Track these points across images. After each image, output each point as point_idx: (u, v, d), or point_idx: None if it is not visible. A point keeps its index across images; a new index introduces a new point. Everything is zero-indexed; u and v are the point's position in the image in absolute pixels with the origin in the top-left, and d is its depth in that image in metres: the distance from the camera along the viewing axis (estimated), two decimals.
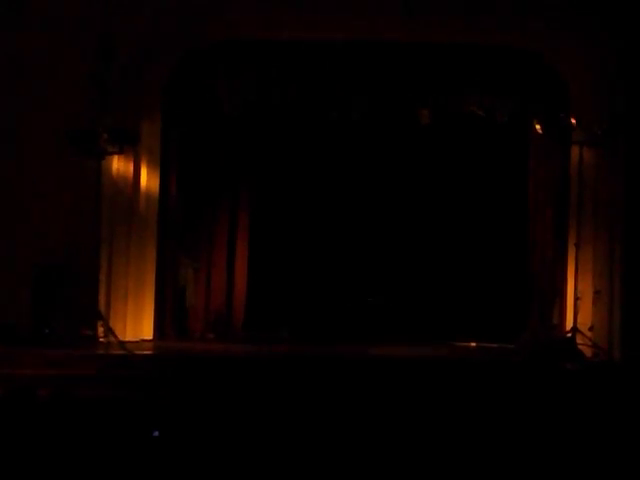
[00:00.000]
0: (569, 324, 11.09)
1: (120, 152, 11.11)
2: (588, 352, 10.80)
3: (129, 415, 6.40)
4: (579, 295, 11.10)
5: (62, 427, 5.81)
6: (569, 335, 10.85)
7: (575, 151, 11.30)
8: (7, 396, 6.32)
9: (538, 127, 11.23)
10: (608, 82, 11.20)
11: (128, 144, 11.06)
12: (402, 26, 11.45)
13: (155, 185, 12.06)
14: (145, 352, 10.84)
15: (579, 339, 10.78)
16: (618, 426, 6.93)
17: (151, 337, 11.91)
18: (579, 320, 10.89)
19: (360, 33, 11.64)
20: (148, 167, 11.93)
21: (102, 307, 11.07)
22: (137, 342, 11.38)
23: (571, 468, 5.79)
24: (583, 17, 11.15)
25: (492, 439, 6.38)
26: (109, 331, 10.71)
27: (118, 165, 11.52)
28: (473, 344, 11.94)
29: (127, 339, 11.14)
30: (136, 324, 11.73)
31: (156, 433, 6.01)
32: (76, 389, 7.17)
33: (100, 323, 10.76)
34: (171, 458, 5.68)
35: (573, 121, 10.90)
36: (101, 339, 10.69)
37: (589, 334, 10.93)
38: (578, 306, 11.01)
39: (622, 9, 10.81)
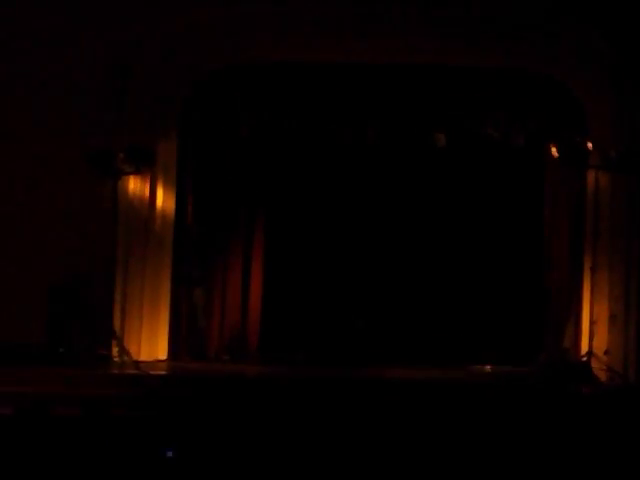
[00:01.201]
0: (584, 348, 11.07)
1: (137, 172, 11.17)
2: (603, 376, 10.75)
3: (144, 434, 6.39)
4: (594, 319, 11.08)
5: (78, 445, 5.80)
6: (584, 359, 10.82)
7: (591, 175, 11.29)
8: (19, 414, 6.32)
9: (554, 150, 11.19)
10: (625, 106, 11.20)
11: (145, 164, 11.11)
12: (419, 49, 11.50)
13: (171, 205, 12.06)
14: (159, 372, 10.84)
15: (594, 363, 10.74)
16: (634, 451, 6.90)
17: (165, 357, 11.89)
18: (594, 344, 10.87)
19: (376, 55, 11.67)
20: (164, 187, 11.94)
21: (117, 327, 11.08)
22: (151, 362, 11.37)
23: None
24: (599, 40, 11.16)
25: (508, 464, 6.35)
26: (123, 351, 10.72)
27: (134, 185, 11.55)
28: (488, 367, 11.88)
29: (141, 359, 11.14)
30: (151, 344, 11.72)
31: (170, 453, 6.00)
32: (91, 408, 7.16)
33: (115, 343, 10.79)
34: (184, 478, 5.67)
35: (589, 145, 10.90)
36: (115, 359, 10.72)
37: (604, 358, 10.89)
38: (594, 330, 10.99)
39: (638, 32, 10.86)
